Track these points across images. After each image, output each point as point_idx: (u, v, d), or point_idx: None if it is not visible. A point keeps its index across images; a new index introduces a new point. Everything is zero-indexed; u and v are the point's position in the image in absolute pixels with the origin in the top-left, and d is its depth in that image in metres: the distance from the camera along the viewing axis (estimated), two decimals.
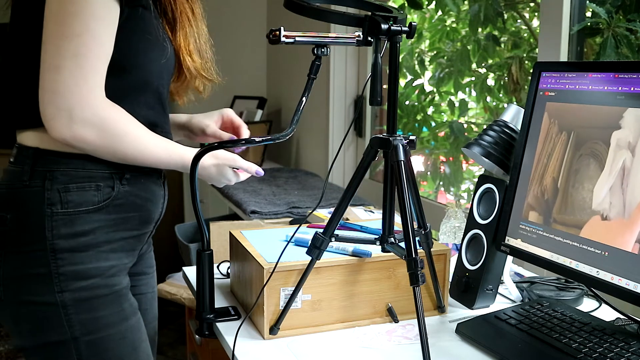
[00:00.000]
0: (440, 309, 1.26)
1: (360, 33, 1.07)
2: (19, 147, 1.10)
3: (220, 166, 1.20)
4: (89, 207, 1.08)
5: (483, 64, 2.39)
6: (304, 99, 1.07)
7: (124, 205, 1.12)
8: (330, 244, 1.12)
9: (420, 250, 1.17)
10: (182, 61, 1.20)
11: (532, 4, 2.31)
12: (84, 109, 1.02)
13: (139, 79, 1.11)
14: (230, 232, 1.36)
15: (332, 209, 1.19)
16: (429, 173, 2.68)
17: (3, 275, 1.07)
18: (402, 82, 2.66)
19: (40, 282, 1.06)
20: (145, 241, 1.21)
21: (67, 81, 1.01)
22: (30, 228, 1.06)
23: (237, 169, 1.23)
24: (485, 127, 1.36)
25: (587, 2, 1.60)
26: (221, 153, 1.21)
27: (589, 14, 1.62)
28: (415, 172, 1.12)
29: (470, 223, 1.34)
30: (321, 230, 1.12)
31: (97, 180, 1.09)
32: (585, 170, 1.09)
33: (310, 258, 1.12)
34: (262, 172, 1.26)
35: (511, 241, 1.23)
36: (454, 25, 2.49)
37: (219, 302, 1.29)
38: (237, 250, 1.29)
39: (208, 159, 1.19)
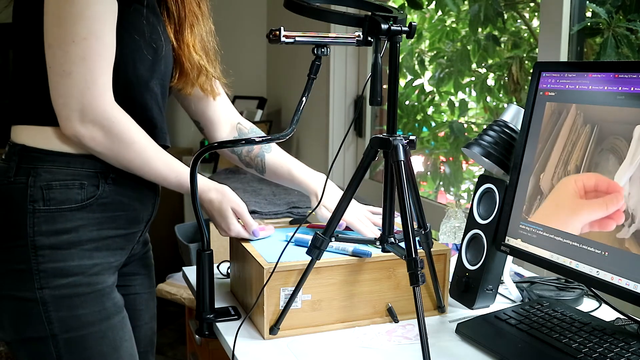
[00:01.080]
0: (440, 309, 1.26)
1: (360, 33, 1.07)
2: (10, 144, 1.11)
3: (224, 204, 1.22)
4: (72, 205, 1.08)
5: (483, 64, 2.39)
6: (304, 99, 1.07)
7: (109, 204, 1.12)
8: (330, 244, 1.12)
9: (420, 250, 1.17)
10: (185, 59, 1.20)
11: (532, 4, 2.31)
12: (95, 110, 1.04)
13: (128, 78, 1.11)
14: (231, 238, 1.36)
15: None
16: (428, 173, 2.68)
17: None
18: (402, 82, 2.66)
19: (21, 278, 1.07)
20: (136, 241, 1.21)
21: (78, 85, 1.03)
22: (12, 224, 1.07)
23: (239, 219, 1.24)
24: (485, 127, 1.36)
25: (587, 2, 1.60)
26: (230, 194, 1.23)
27: (589, 14, 1.62)
28: (415, 172, 1.12)
29: (470, 223, 1.34)
30: (321, 230, 1.12)
31: (82, 179, 1.09)
32: (604, 164, 1.08)
33: (310, 258, 1.12)
34: (259, 235, 1.25)
35: (511, 241, 1.23)
36: (454, 25, 2.49)
37: (219, 302, 1.29)
38: (237, 250, 1.29)
39: (214, 193, 1.21)
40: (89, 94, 1.04)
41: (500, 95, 2.35)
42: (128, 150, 1.09)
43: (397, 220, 1.15)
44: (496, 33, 2.26)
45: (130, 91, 1.12)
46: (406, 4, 2.25)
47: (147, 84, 1.14)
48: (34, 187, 1.06)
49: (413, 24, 1.05)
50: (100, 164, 1.11)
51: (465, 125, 2.50)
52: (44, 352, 1.08)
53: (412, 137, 1.09)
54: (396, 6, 2.32)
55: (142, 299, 1.31)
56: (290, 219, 2.01)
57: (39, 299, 1.06)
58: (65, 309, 1.08)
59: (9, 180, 1.07)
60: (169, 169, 1.14)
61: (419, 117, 2.64)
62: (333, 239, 1.13)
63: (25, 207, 1.06)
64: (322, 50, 1.08)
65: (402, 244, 1.06)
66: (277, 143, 1.13)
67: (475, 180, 1.40)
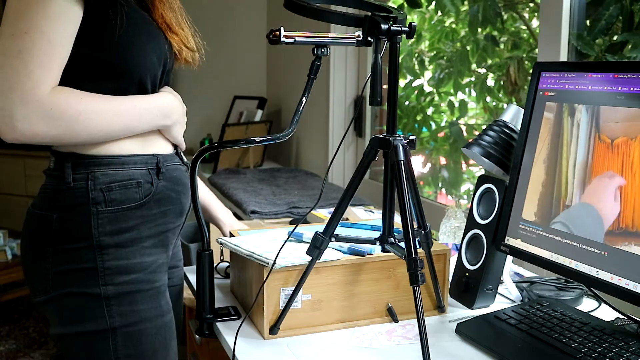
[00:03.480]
0: (440, 309, 1.26)
1: (360, 33, 1.07)
2: (55, 155, 1.11)
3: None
4: (132, 204, 1.10)
5: (482, 64, 2.39)
6: (304, 99, 1.07)
7: (162, 199, 1.14)
8: (330, 244, 1.12)
9: (420, 250, 1.17)
10: (168, 36, 1.20)
11: (531, 4, 2.31)
12: (27, 105, 0.98)
13: (135, 79, 1.11)
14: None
15: (332, 209, 1.19)
16: (430, 179, 2.68)
17: (51, 269, 1.09)
18: (401, 83, 2.66)
19: (86, 276, 1.08)
20: (178, 233, 1.23)
21: (9, 78, 0.98)
22: (76, 226, 1.08)
23: None
24: (485, 127, 1.36)
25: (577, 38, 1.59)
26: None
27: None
28: (415, 173, 1.12)
29: (470, 223, 1.34)
30: (321, 230, 1.12)
31: (137, 178, 1.11)
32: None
33: (310, 258, 1.12)
34: None
35: (511, 241, 1.23)
36: (454, 25, 2.50)
37: (219, 302, 1.29)
38: None
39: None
40: (20, 89, 0.98)
41: (500, 95, 2.35)
42: (78, 124, 1.03)
43: (397, 220, 1.15)
44: (495, 33, 2.27)
45: (135, 90, 1.12)
46: (405, 4, 2.25)
47: (151, 78, 1.14)
48: (94, 190, 1.08)
49: (413, 24, 1.05)
50: (150, 160, 1.12)
51: (465, 128, 2.50)
52: (101, 345, 1.10)
53: (412, 137, 1.09)
54: (396, 6, 2.32)
55: (176, 291, 1.32)
56: (290, 219, 2.02)
57: (102, 295, 1.08)
58: (126, 303, 1.10)
59: (68, 186, 1.08)
60: (135, 110, 1.10)
61: (418, 118, 2.64)
62: (333, 239, 1.13)
63: (89, 209, 1.07)
64: (322, 50, 1.08)
65: (402, 244, 1.06)
66: (277, 143, 1.13)
67: (475, 181, 1.40)
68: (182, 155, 1.23)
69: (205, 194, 1.46)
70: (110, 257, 1.08)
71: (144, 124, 1.12)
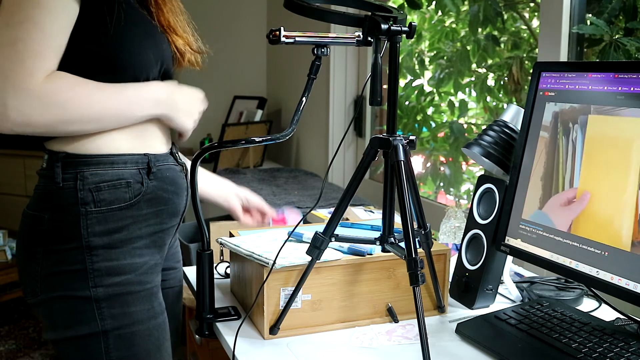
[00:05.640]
0: (440, 309, 1.26)
1: (360, 33, 1.07)
2: (48, 153, 1.11)
3: (175, 97, 1.18)
4: (121, 204, 1.09)
5: (483, 64, 2.39)
6: (304, 99, 1.07)
7: (153, 199, 1.14)
8: (331, 244, 1.12)
9: (420, 250, 1.17)
10: (171, 40, 1.20)
11: (532, 4, 2.31)
12: (19, 93, 0.99)
13: (130, 75, 1.11)
14: (230, 232, 1.37)
15: (332, 209, 1.19)
16: (429, 177, 2.68)
17: (40, 271, 1.09)
18: (401, 83, 2.66)
19: (76, 278, 1.08)
20: (173, 234, 1.23)
21: (3, 68, 0.99)
22: (66, 227, 1.08)
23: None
24: (485, 127, 1.36)
25: (587, 14, 1.59)
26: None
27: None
28: (415, 173, 1.12)
29: (470, 223, 1.34)
30: (321, 230, 1.12)
31: (127, 178, 1.10)
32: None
33: (310, 258, 1.12)
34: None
35: (511, 241, 1.23)
36: (454, 25, 2.50)
37: (219, 302, 1.29)
38: None
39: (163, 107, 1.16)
40: (14, 77, 0.98)
41: (500, 95, 2.35)
42: (69, 109, 1.03)
43: (397, 220, 1.15)
44: (496, 33, 2.27)
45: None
46: (405, 5, 2.25)
47: (149, 75, 1.14)
48: (83, 190, 1.07)
49: (413, 24, 1.05)
50: (141, 160, 1.12)
51: (465, 126, 2.50)
52: (94, 349, 1.09)
53: (412, 137, 1.09)
54: (396, 6, 2.32)
55: (174, 292, 1.32)
56: None
57: (92, 297, 1.08)
58: (118, 306, 1.09)
59: (57, 186, 1.08)
60: (127, 98, 1.09)
61: (418, 118, 2.64)
62: (333, 239, 1.13)
63: (78, 210, 1.07)
64: (322, 50, 1.08)
65: (402, 244, 1.06)
66: (277, 143, 1.13)
67: (475, 181, 1.40)
68: (178, 155, 1.23)
69: (217, 181, 1.46)
70: (99, 259, 1.08)
71: (138, 112, 1.11)
